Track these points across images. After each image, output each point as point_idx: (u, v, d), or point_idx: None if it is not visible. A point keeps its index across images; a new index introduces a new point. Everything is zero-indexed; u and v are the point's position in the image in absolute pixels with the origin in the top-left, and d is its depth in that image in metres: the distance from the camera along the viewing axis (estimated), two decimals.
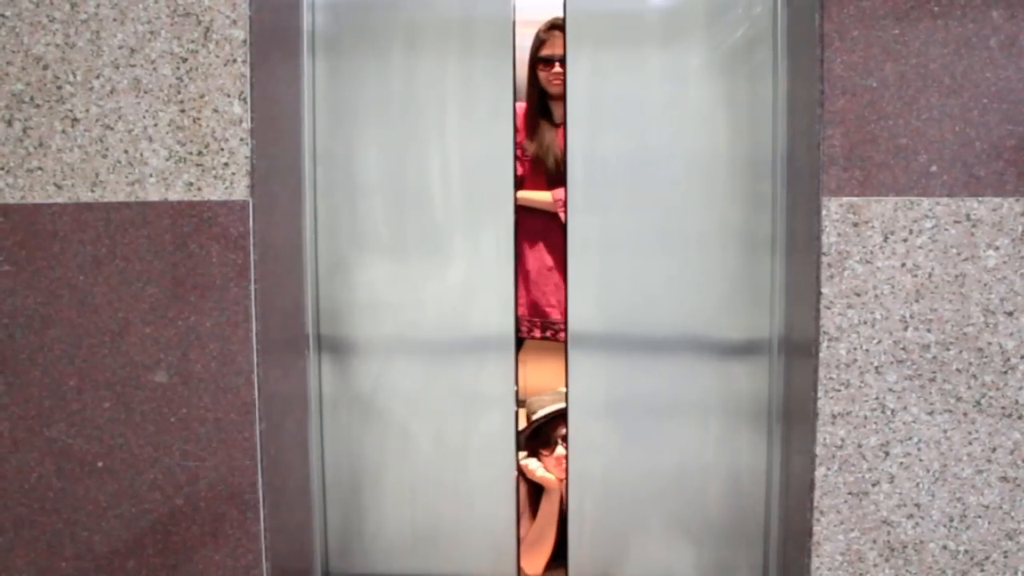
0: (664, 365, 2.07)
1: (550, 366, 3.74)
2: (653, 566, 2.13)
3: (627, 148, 2.04)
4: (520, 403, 2.71)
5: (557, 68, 2.63)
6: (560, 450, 2.45)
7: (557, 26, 2.65)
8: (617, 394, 2.09)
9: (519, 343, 2.75)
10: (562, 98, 2.68)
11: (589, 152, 2.05)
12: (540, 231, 2.68)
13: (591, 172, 2.05)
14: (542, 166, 2.67)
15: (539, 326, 2.71)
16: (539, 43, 2.69)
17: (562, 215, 2.62)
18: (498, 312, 2.12)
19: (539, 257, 2.70)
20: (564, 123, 2.06)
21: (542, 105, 2.71)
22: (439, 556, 2.20)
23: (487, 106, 2.07)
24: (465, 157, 2.10)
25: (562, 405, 2.48)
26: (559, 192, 2.61)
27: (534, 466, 2.51)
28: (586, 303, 2.07)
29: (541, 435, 2.49)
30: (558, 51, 2.62)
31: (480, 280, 2.12)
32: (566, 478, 2.13)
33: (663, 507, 2.11)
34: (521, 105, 2.71)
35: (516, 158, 2.68)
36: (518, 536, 2.23)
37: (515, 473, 2.18)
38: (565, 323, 2.67)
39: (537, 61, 2.68)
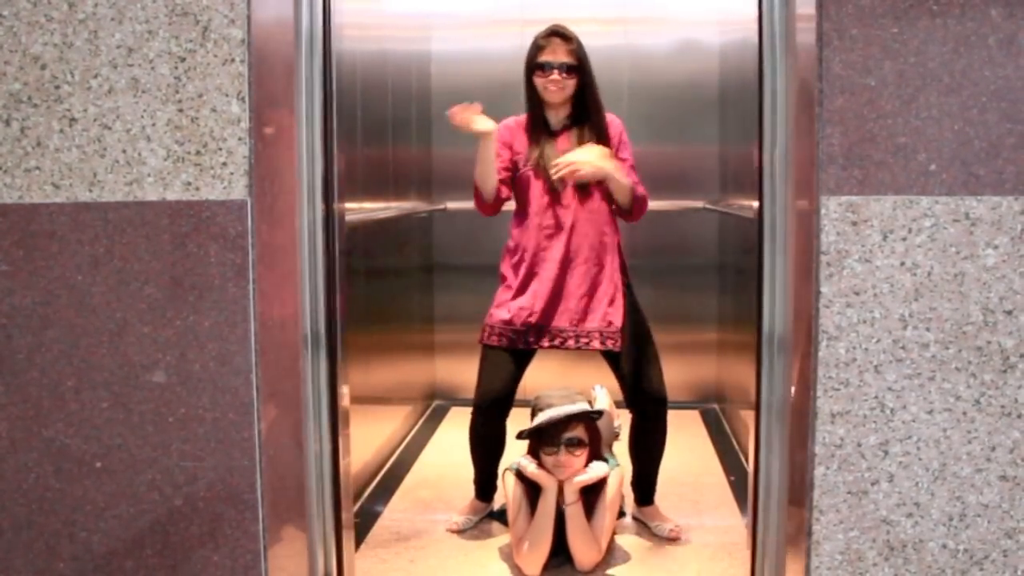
0: None
1: (551, 370, 3.76)
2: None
3: None
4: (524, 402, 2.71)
5: (555, 75, 2.58)
6: (564, 455, 2.42)
7: (556, 32, 2.61)
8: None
9: (530, 354, 2.72)
10: (559, 105, 2.66)
11: (784, 149, 1.95)
12: (546, 243, 2.65)
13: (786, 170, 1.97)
14: (543, 174, 2.63)
15: (547, 335, 2.67)
16: (536, 49, 2.62)
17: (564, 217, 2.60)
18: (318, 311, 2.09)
19: (547, 268, 2.65)
20: (755, 122, 1.96)
21: (541, 114, 2.68)
22: None
23: None
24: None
25: (573, 408, 2.44)
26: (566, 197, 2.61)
27: (525, 463, 2.50)
28: (778, 304, 2.03)
29: (546, 435, 2.45)
30: (558, 57, 2.58)
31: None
32: (753, 476, 2.06)
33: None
34: (518, 118, 2.70)
35: (516, 169, 2.67)
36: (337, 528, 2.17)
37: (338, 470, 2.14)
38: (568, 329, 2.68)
39: (534, 67, 2.62)
